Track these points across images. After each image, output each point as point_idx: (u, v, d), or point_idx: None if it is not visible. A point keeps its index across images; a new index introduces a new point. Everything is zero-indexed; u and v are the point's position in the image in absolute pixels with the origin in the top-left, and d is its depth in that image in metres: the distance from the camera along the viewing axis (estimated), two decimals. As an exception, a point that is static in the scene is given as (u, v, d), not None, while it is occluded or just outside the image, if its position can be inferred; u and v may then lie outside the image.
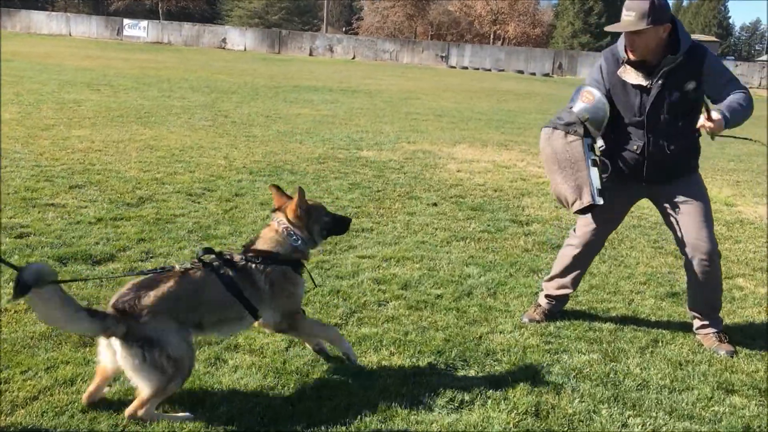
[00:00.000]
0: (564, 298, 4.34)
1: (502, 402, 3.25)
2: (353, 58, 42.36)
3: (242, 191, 6.93)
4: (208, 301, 3.03)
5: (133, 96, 14.65)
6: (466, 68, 40.65)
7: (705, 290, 3.99)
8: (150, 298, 2.83)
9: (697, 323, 4.11)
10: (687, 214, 3.86)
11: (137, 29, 45.93)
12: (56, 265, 4.53)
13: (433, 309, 4.31)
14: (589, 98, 3.78)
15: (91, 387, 2.96)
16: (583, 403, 3.29)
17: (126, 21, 46.31)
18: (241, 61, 31.22)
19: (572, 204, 3.83)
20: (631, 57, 3.70)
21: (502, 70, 40.27)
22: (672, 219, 3.93)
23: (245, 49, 43.59)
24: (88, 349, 3.43)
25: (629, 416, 3.22)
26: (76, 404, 2.93)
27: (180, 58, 30.69)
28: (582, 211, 3.87)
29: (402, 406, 3.13)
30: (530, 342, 3.91)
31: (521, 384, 3.41)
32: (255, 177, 7.62)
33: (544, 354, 3.78)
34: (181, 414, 2.93)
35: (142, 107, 12.90)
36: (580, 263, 4.25)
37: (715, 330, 4.04)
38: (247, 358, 3.47)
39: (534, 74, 39.44)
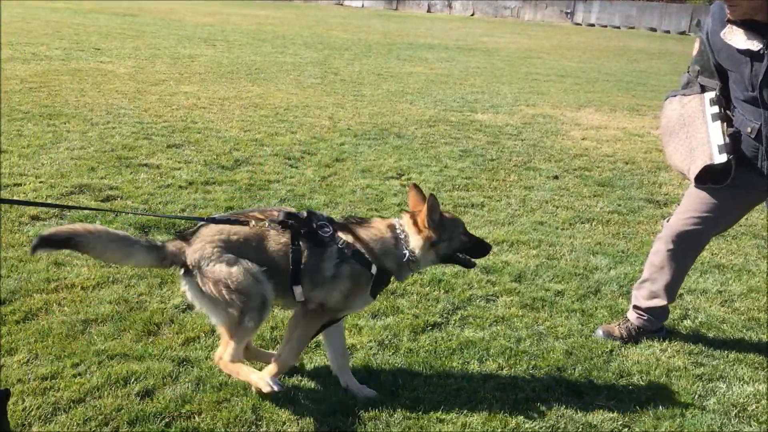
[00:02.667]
0: (659, 313, 3.36)
1: (641, 446, 2.56)
2: (472, 15, 40.83)
3: (344, 156, 6.41)
4: (269, 259, 2.59)
5: (246, 51, 14.47)
6: (593, 25, 38.17)
7: None
8: (210, 229, 2.58)
9: None
10: None
11: (258, -15, 46.30)
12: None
13: (552, 309, 3.61)
14: (695, 48, 3.12)
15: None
16: (750, 457, 2.54)
17: (248, -23, 46.75)
18: (357, 18, 30.70)
19: (689, 172, 3.01)
20: (730, 16, 2.79)
21: (633, 28, 37.49)
22: None
23: (363, 6, 43.03)
24: (151, 339, 3.03)
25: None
26: (124, 412, 2.51)
27: (297, 13, 30.57)
28: (704, 179, 2.99)
29: (511, 443, 2.51)
30: (675, 362, 3.14)
31: (666, 422, 2.69)
32: (359, 140, 7.07)
33: (694, 380, 3.01)
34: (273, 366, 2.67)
35: (253, 63, 12.65)
36: (675, 265, 3.25)
37: None
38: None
39: (668, 32, 36.45)
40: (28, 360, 2.78)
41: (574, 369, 3.04)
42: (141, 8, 25.02)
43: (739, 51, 2.81)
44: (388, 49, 17.03)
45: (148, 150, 6.12)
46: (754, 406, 2.85)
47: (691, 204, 3.18)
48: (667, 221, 3.31)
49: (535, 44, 22.25)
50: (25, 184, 4.94)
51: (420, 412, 2.65)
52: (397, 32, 23.34)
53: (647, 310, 3.34)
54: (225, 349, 2.58)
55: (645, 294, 3.36)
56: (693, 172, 2.99)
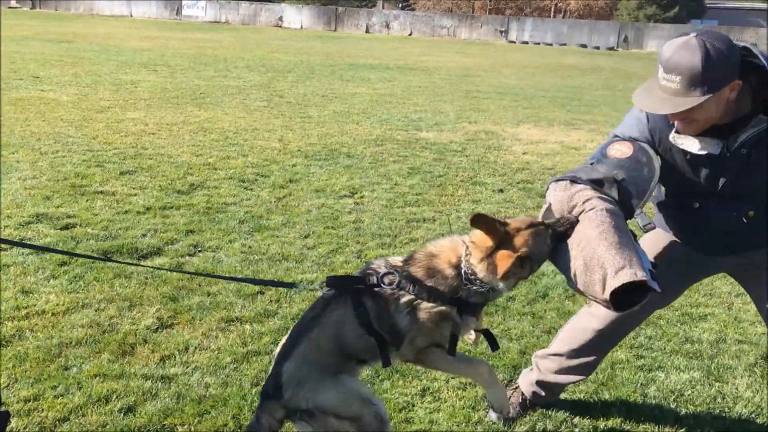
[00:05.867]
0: (560, 389, 2.94)
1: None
2: (410, 35, 41.61)
3: (296, 177, 6.59)
4: (349, 344, 2.28)
5: (189, 76, 14.50)
6: (527, 43, 39.42)
7: None
8: (289, 369, 2.22)
9: None
10: None
11: (196, 9, 46.10)
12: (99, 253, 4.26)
13: (505, 314, 3.86)
14: (624, 151, 2.40)
15: None
16: (688, 436, 2.82)
17: (185, 1, 46.54)
18: (297, 39, 30.93)
19: (617, 273, 2.06)
20: (684, 133, 2.33)
21: (565, 44, 38.88)
22: (761, 304, 2.68)
23: (302, 27, 43.32)
24: (127, 359, 3.14)
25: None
26: (109, 428, 2.63)
27: (237, 36, 30.60)
28: (622, 305, 2.13)
29: (475, 435, 2.72)
30: (619, 356, 3.43)
31: (614, 408, 2.96)
32: (310, 161, 7.26)
33: (636, 371, 3.30)
34: None
35: (197, 88, 12.71)
36: (603, 344, 2.77)
37: None
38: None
39: (598, 48, 37.95)
40: (9, 384, 2.86)
41: (528, 367, 3.28)
42: (76, 34, 24.65)
43: (695, 155, 2.34)
44: (330, 71, 17.29)
45: (102, 177, 6.17)
46: (689, 392, 3.15)
47: None
48: None
49: (472, 62, 22.90)
50: (-20, 215, 4.94)
51: (389, 413, 2.85)
52: (338, 53, 23.66)
53: (554, 386, 2.89)
54: None
55: (555, 368, 2.84)
56: (623, 277, 2.06)
